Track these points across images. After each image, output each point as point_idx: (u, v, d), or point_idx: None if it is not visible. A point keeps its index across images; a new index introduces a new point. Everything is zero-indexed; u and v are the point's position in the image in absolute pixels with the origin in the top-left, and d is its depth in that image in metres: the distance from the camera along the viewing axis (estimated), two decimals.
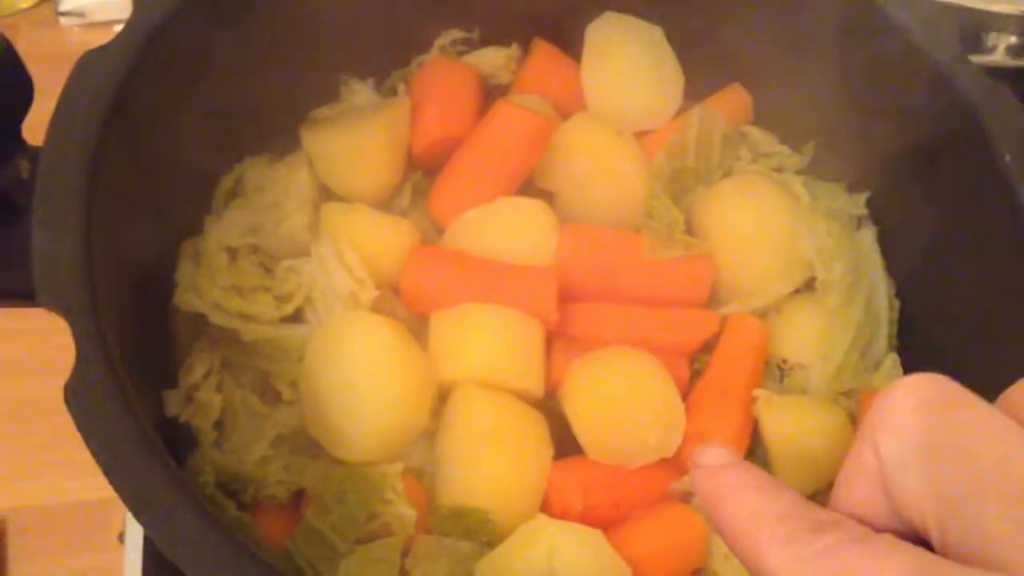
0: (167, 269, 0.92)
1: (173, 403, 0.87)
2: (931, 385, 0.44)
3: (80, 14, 1.51)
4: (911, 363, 0.98)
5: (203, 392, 0.88)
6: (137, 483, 0.61)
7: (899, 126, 0.96)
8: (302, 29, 0.99)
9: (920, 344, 0.98)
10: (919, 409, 0.43)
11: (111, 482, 0.61)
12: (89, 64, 0.79)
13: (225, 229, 0.95)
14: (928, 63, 0.90)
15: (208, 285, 0.90)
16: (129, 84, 0.80)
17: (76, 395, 0.63)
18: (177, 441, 0.87)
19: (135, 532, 0.99)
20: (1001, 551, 0.37)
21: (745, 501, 0.44)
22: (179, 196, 0.93)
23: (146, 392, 0.86)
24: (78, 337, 0.66)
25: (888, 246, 1.02)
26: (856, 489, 0.46)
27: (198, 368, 0.89)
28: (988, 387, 0.80)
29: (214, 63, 0.91)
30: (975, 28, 1.36)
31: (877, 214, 1.03)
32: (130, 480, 0.61)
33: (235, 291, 0.92)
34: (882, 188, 1.02)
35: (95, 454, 0.62)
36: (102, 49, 0.79)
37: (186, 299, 0.89)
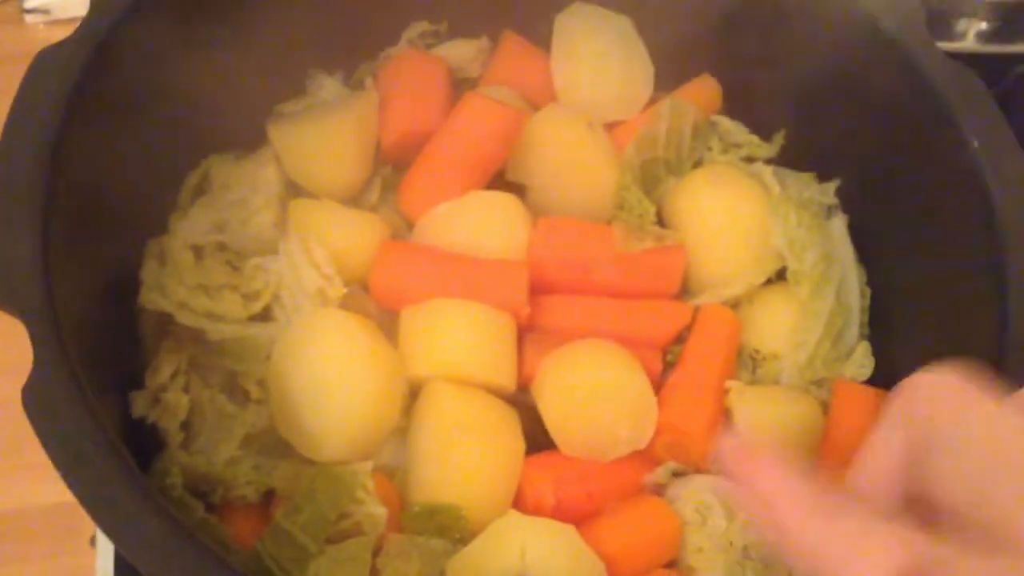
0: (132, 269, 0.91)
1: (139, 404, 0.86)
2: (954, 380, 0.52)
3: (45, 11, 1.49)
4: (882, 351, 0.98)
5: (170, 393, 0.87)
6: (97, 487, 0.61)
7: (868, 113, 0.96)
8: (267, 22, 0.98)
9: (891, 332, 0.98)
10: (948, 402, 0.51)
11: (70, 487, 0.61)
12: (46, 61, 0.78)
13: (191, 227, 0.94)
14: (895, 50, 0.90)
15: (174, 284, 0.89)
16: (87, 81, 0.79)
17: (33, 398, 0.62)
18: (145, 443, 0.86)
19: (106, 538, 0.98)
20: (1019, 531, 0.44)
21: (781, 478, 0.51)
22: (143, 194, 0.91)
23: (112, 394, 0.85)
24: (35, 340, 0.65)
25: (859, 234, 1.02)
26: (875, 468, 0.55)
27: (165, 368, 0.88)
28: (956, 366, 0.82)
29: (177, 58, 0.90)
30: (944, 14, 1.36)
31: (847, 203, 1.03)
32: (89, 484, 0.60)
33: (201, 290, 0.91)
34: (852, 176, 1.02)
35: (53, 458, 0.61)
36: (59, 45, 0.78)
37: (151, 299, 0.88)
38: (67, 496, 1.12)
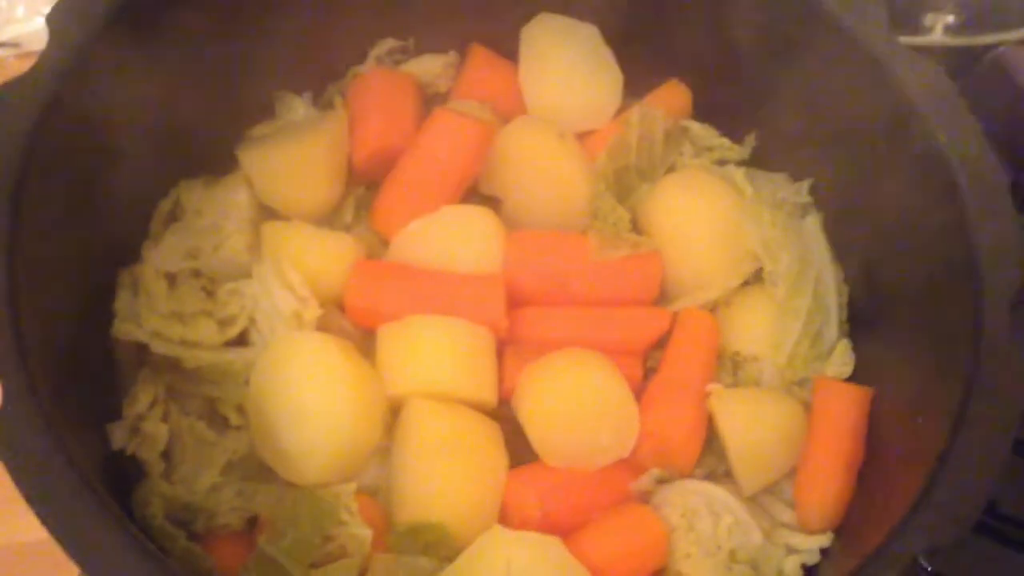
0: (106, 300, 0.90)
1: (118, 436, 0.85)
2: None
3: (15, 44, 1.48)
4: (863, 347, 0.97)
5: (148, 422, 0.87)
6: (71, 524, 0.60)
7: (836, 112, 0.96)
8: (233, 47, 0.98)
9: (871, 328, 0.98)
10: None
11: (43, 524, 0.60)
12: (8, 91, 0.77)
13: (163, 255, 0.93)
14: (860, 48, 0.90)
15: (147, 313, 0.89)
16: (49, 115, 0.78)
17: (4, 436, 0.62)
18: (126, 474, 0.86)
19: None
20: None
21: None
22: (113, 224, 0.91)
23: (89, 426, 0.84)
24: (3, 377, 0.64)
25: (834, 232, 1.01)
26: None
27: (142, 398, 0.87)
28: (940, 361, 0.82)
29: (141, 87, 0.89)
30: (913, 9, 1.36)
31: (821, 201, 1.03)
32: (64, 521, 0.60)
33: (176, 318, 0.90)
34: (825, 175, 1.02)
35: (26, 496, 0.60)
36: (18, 81, 0.77)
37: (124, 329, 0.87)
38: None
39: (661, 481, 0.91)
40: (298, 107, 1.08)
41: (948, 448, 0.74)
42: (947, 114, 0.86)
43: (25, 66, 0.79)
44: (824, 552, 0.88)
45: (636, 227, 1.02)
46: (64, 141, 0.80)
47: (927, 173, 0.87)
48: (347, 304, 0.94)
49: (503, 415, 0.92)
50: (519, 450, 0.90)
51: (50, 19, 0.81)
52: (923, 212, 0.88)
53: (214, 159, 1.02)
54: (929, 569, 0.99)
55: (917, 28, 1.35)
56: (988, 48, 1.29)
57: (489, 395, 0.91)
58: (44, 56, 0.80)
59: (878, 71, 0.89)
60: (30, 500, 0.60)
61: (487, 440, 0.88)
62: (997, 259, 0.80)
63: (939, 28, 1.36)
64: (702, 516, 0.88)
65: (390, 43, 1.11)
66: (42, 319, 0.73)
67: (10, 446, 0.61)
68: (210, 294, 0.94)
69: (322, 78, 1.10)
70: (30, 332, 0.69)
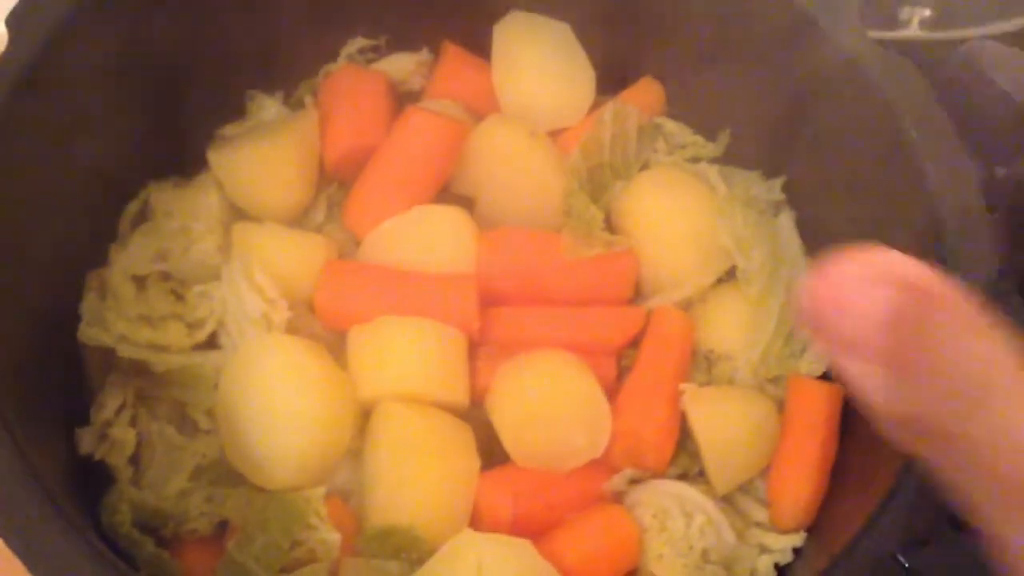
0: (72, 303, 0.89)
1: (85, 441, 0.85)
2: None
3: None
4: None
5: (116, 428, 0.86)
6: (29, 534, 0.59)
7: (807, 108, 0.95)
8: (201, 45, 0.97)
9: None
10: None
11: (1, 535, 0.59)
12: None
13: (131, 257, 0.93)
14: (830, 43, 0.90)
15: (114, 317, 0.88)
16: (12, 116, 0.77)
17: None
18: (95, 480, 0.85)
19: None
20: None
21: None
22: (79, 227, 0.90)
23: (56, 431, 0.84)
24: None
25: (807, 230, 1.01)
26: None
27: (110, 403, 0.87)
28: None
29: (106, 87, 0.88)
30: (888, 3, 1.36)
31: (795, 199, 1.03)
32: (20, 532, 0.59)
33: (144, 321, 0.89)
34: (797, 172, 1.02)
35: None
36: None
37: (90, 334, 0.86)
38: None
39: (634, 481, 0.91)
40: (269, 107, 1.07)
41: None
42: (916, 109, 0.86)
43: None
44: (797, 552, 0.88)
45: (610, 225, 1.02)
46: (28, 143, 0.79)
47: (899, 170, 0.86)
48: (317, 305, 0.93)
49: (476, 417, 0.91)
50: (491, 452, 0.89)
51: (9, 21, 0.80)
52: (896, 209, 0.88)
53: (183, 160, 1.01)
54: (907, 566, 0.99)
55: (893, 22, 1.35)
56: (963, 42, 1.28)
57: (461, 397, 0.90)
58: (4, 58, 0.79)
59: (850, 67, 0.89)
60: None
61: (459, 442, 0.88)
62: (967, 252, 0.79)
63: (915, 22, 1.36)
64: (674, 516, 0.87)
65: (361, 42, 1.10)
66: (4, 324, 0.72)
67: None
68: (179, 297, 0.93)
69: (293, 77, 1.09)
70: None
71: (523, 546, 0.80)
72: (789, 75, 0.96)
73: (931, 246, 0.82)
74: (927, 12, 1.37)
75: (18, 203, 0.78)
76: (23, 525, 0.59)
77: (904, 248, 0.85)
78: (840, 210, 0.96)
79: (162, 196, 0.98)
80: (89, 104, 0.87)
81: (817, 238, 1.01)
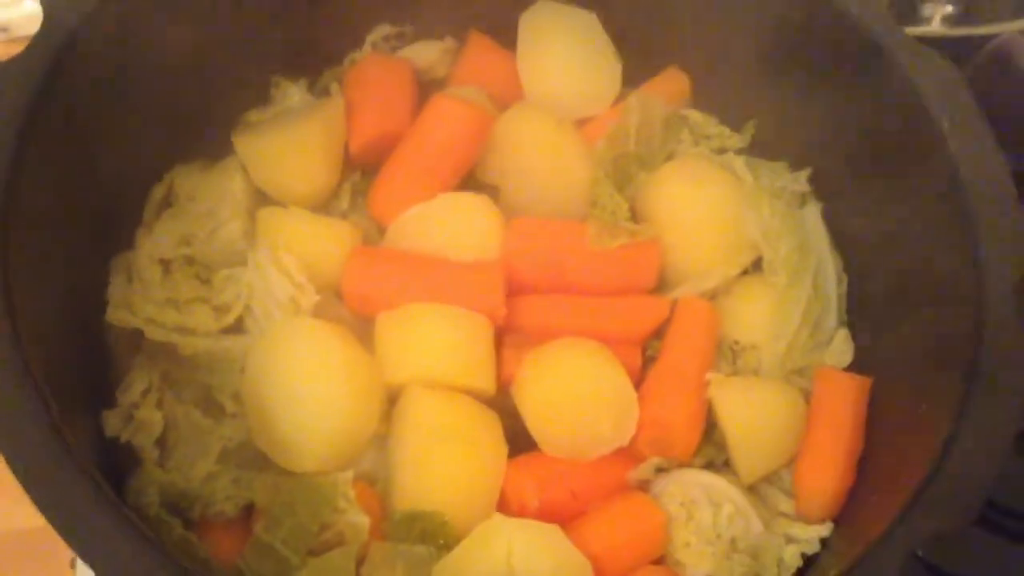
0: (99, 287, 0.89)
1: (112, 423, 0.84)
2: None
3: (4, 29, 1.47)
4: (862, 336, 0.97)
5: (143, 410, 0.86)
6: (67, 508, 0.59)
7: (838, 100, 0.95)
8: (228, 30, 0.97)
9: (869, 317, 0.97)
10: None
11: (39, 508, 0.59)
12: (1, 73, 0.76)
13: (157, 241, 0.93)
14: (862, 35, 0.90)
15: (141, 300, 0.88)
16: (44, 96, 0.77)
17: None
18: (121, 461, 0.85)
19: None
20: None
21: None
22: (107, 210, 0.90)
23: (84, 413, 0.83)
24: None
25: (833, 221, 1.01)
26: None
27: (136, 385, 0.87)
28: (942, 349, 0.81)
29: (136, 70, 0.88)
30: None
31: (821, 190, 1.03)
32: (58, 504, 0.59)
33: (171, 304, 0.89)
34: (824, 164, 1.02)
35: (21, 481, 0.59)
36: (12, 61, 0.76)
37: (118, 316, 0.86)
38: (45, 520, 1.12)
39: (660, 470, 0.91)
40: (294, 93, 1.07)
41: (952, 436, 0.74)
42: (950, 103, 0.85)
43: (13, 50, 0.78)
44: (824, 542, 0.88)
45: (635, 215, 1.02)
46: (59, 124, 0.79)
47: (929, 161, 0.86)
48: (344, 291, 0.93)
49: (501, 404, 0.91)
50: (517, 439, 0.89)
51: (44, 1, 0.79)
52: (925, 199, 0.88)
53: (208, 144, 1.01)
54: (925, 560, 0.99)
55: (916, 18, 1.35)
56: (985, 38, 1.28)
57: (487, 383, 0.90)
58: (38, 37, 0.78)
59: (881, 60, 0.89)
60: (26, 486, 0.59)
61: (485, 428, 0.88)
62: (1000, 246, 0.79)
63: (937, 18, 1.36)
64: (701, 505, 0.87)
65: (387, 29, 1.10)
66: (36, 305, 0.72)
67: (6, 432, 0.60)
68: (204, 281, 0.93)
69: (319, 64, 1.09)
70: (24, 319, 0.68)
71: (553, 531, 0.80)
72: (816, 67, 0.96)
73: (961, 238, 0.82)
74: (949, 8, 1.37)
75: (53, 182, 0.77)
76: (61, 500, 0.59)
77: (934, 243, 0.87)
78: (868, 201, 0.96)
79: (187, 180, 0.98)
80: (117, 85, 0.86)
81: (843, 230, 1.01)
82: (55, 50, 0.80)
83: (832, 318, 0.98)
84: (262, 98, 1.06)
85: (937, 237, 0.87)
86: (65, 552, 1.07)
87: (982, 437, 0.73)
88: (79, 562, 0.98)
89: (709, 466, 0.92)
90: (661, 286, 1.00)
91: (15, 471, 0.60)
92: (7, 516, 1.11)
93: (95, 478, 0.61)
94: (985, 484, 0.72)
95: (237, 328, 0.91)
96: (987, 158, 0.83)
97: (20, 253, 0.70)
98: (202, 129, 1.00)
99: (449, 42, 1.12)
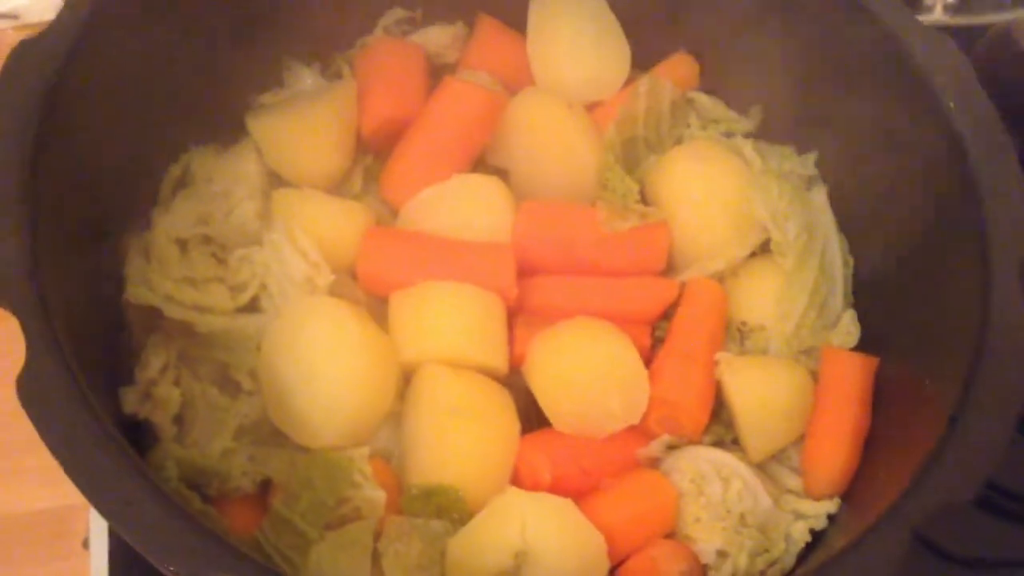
0: (118, 264, 0.90)
1: (130, 400, 0.85)
2: None
3: (14, 16, 1.47)
4: (867, 317, 0.98)
5: (161, 387, 0.87)
6: (96, 473, 0.60)
7: (845, 85, 0.96)
8: (242, 15, 0.98)
9: (875, 298, 0.99)
10: None
11: (68, 473, 0.60)
12: (24, 53, 0.77)
13: (174, 221, 0.93)
14: (871, 20, 0.91)
15: (159, 278, 0.89)
16: (66, 73, 0.78)
17: (29, 389, 0.62)
18: (138, 438, 0.86)
19: (100, 538, 0.97)
20: None
21: None
22: (125, 189, 0.91)
23: (103, 389, 0.84)
24: (28, 333, 0.65)
25: (840, 203, 1.02)
26: None
27: (154, 363, 0.88)
28: (948, 328, 0.82)
29: (154, 51, 0.89)
30: None
31: (828, 173, 1.04)
32: (88, 471, 0.60)
33: (188, 283, 0.90)
34: (831, 147, 1.03)
35: (51, 446, 0.61)
36: (39, 37, 0.77)
37: (137, 293, 0.87)
38: (57, 500, 1.12)
39: (670, 447, 0.92)
40: (306, 77, 1.08)
41: (957, 412, 0.75)
42: (958, 85, 0.87)
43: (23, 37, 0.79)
44: (831, 518, 0.90)
45: (644, 198, 1.03)
46: (79, 103, 0.80)
47: (936, 143, 0.87)
48: (359, 271, 0.94)
49: (513, 382, 0.92)
50: (529, 417, 0.91)
51: None
52: (931, 181, 0.89)
53: (223, 126, 1.02)
54: (928, 541, 1.00)
55: (918, 7, 1.37)
56: (986, 27, 1.30)
57: (500, 361, 0.91)
58: (58, 18, 0.79)
59: (888, 42, 0.90)
60: (57, 454, 0.60)
61: (499, 405, 0.89)
62: (1006, 226, 0.80)
63: (939, 7, 1.37)
64: (711, 481, 0.89)
65: (398, 13, 1.11)
66: (60, 280, 0.73)
67: (36, 400, 0.61)
68: (221, 261, 0.94)
69: (331, 48, 1.10)
70: (51, 292, 0.69)
71: (566, 505, 0.82)
72: (825, 50, 0.97)
73: (967, 218, 0.83)
74: None
75: (74, 159, 0.78)
76: (93, 468, 0.60)
77: (940, 223, 0.88)
78: (875, 185, 0.97)
79: (203, 161, 0.99)
80: (136, 66, 0.87)
81: (849, 212, 1.02)
82: (75, 32, 0.80)
83: (839, 299, 0.99)
84: (276, 81, 1.07)
85: (943, 217, 0.88)
86: (78, 532, 1.08)
87: (986, 415, 0.74)
88: (93, 542, 0.99)
89: (718, 444, 0.93)
90: (670, 268, 1.02)
91: (46, 439, 0.61)
92: (20, 498, 1.12)
93: (124, 447, 0.62)
94: (990, 460, 0.73)
95: (253, 307, 0.92)
96: (994, 140, 0.84)
97: (46, 230, 0.71)
98: (217, 111, 1.01)
99: (460, 27, 1.13)
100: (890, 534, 0.72)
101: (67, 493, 0.59)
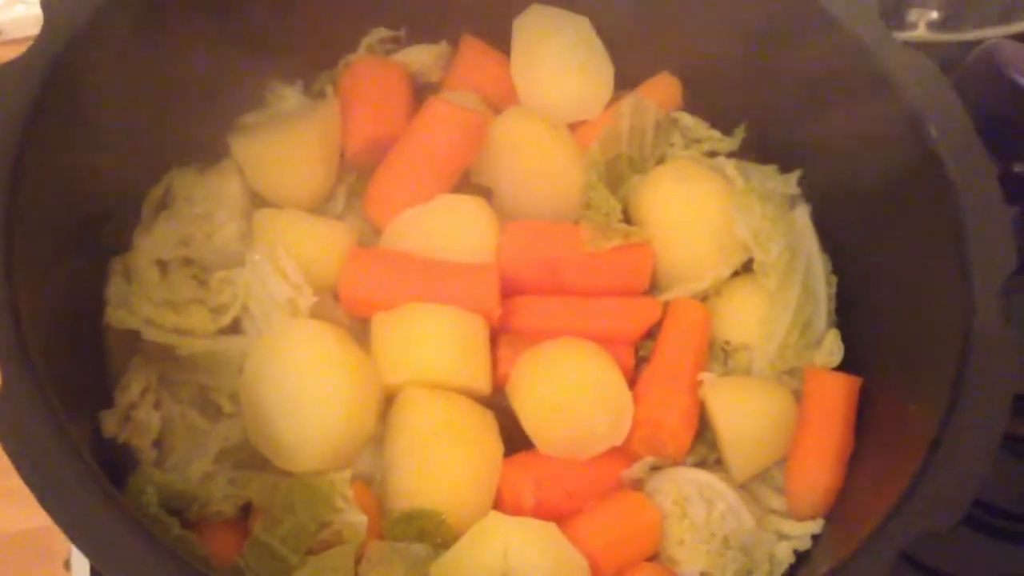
0: (98, 287, 0.89)
1: (109, 423, 0.85)
2: None
3: None
4: (851, 338, 0.98)
5: (140, 410, 0.86)
6: (72, 507, 0.60)
7: (827, 104, 0.96)
8: (224, 35, 0.97)
9: (858, 318, 0.99)
10: None
11: (44, 507, 0.60)
12: (2, 76, 0.76)
13: (155, 242, 0.93)
14: (851, 39, 0.91)
15: (139, 301, 0.88)
16: (44, 98, 0.78)
17: (3, 419, 0.61)
18: (118, 461, 0.85)
19: (81, 559, 0.96)
20: None
21: None
22: (106, 211, 0.90)
23: (82, 413, 0.84)
24: (2, 361, 0.64)
25: (822, 223, 1.03)
26: None
27: (134, 386, 0.87)
28: (931, 349, 0.83)
29: (134, 72, 0.89)
30: (896, 4, 1.38)
31: (810, 193, 1.04)
32: (64, 504, 0.59)
33: (168, 306, 0.90)
34: (814, 167, 1.03)
35: (26, 478, 0.60)
36: (13, 63, 0.76)
37: (117, 316, 0.87)
38: (38, 521, 1.11)
39: (654, 469, 0.92)
40: (289, 96, 1.07)
41: (940, 435, 0.75)
42: (937, 106, 0.87)
43: (6, 53, 0.78)
44: (816, 538, 0.89)
45: (627, 217, 1.03)
46: (59, 126, 0.79)
47: (916, 164, 0.87)
48: (341, 292, 0.93)
49: (497, 404, 0.92)
50: (513, 438, 0.90)
51: (44, 4, 0.80)
52: (912, 202, 0.89)
53: (204, 146, 1.01)
54: (914, 559, 1.00)
55: (901, 24, 1.37)
56: (970, 44, 1.30)
57: (483, 383, 0.91)
58: (39, 40, 0.79)
59: (869, 63, 0.90)
60: (31, 484, 0.59)
61: (482, 428, 0.89)
62: (987, 246, 0.81)
63: (923, 24, 1.38)
64: (695, 503, 0.88)
65: (382, 33, 1.11)
66: (38, 306, 0.72)
67: (10, 429, 0.61)
68: (202, 282, 0.93)
69: (313, 67, 1.10)
70: (27, 317, 0.68)
71: (549, 529, 0.81)
72: (807, 71, 0.97)
73: (949, 240, 0.83)
74: (934, 14, 1.39)
75: (53, 182, 0.78)
76: (67, 499, 0.60)
77: (922, 244, 0.88)
78: (857, 205, 0.98)
79: (184, 182, 0.98)
80: (117, 87, 0.87)
81: (832, 232, 1.02)
82: (55, 53, 0.80)
83: (822, 319, 0.99)
84: (258, 100, 1.07)
85: (925, 239, 0.88)
86: (59, 554, 1.07)
87: (970, 436, 0.74)
88: (74, 563, 0.98)
89: (701, 464, 0.93)
90: (654, 287, 1.02)
91: (20, 469, 0.60)
92: (1, 519, 1.12)
93: (101, 478, 0.62)
94: (974, 482, 0.73)
95: (234, 329, 0.92)
96: (975, 161, 0.85)
97: (24, 253, 0.70)
98: (199, 131, 1.00)
99: (443, 46, 1.12)
100: (874, 559, 0.72)
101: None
